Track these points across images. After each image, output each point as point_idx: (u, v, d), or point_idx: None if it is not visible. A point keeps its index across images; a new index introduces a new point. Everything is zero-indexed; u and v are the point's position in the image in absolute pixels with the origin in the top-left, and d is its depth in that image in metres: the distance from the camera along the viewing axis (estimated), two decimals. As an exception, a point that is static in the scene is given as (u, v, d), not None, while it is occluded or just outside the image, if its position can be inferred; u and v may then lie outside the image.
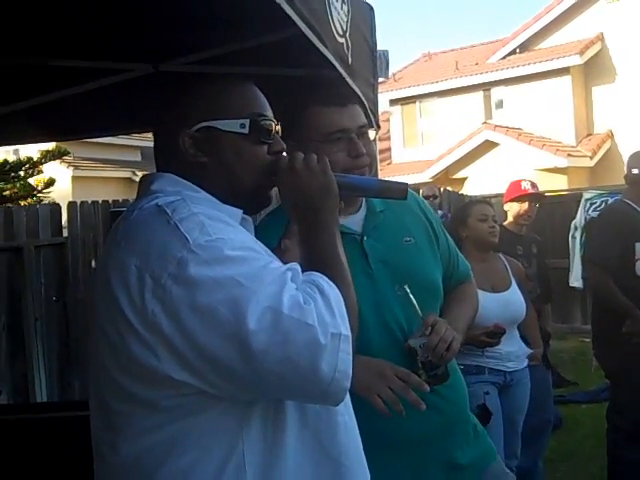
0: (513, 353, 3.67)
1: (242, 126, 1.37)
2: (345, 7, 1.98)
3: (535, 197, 4.57)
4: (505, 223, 4.60)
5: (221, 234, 1.22)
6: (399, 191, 1.50)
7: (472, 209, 3.84)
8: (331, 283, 1.25)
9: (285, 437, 1.27)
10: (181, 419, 1.22)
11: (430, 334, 1.82)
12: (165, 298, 1.17)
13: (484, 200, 4.35)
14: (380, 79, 2.78)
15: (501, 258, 3.87)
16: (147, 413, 1.23)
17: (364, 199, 1.96)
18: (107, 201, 6.34)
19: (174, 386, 1.20)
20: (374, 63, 2.52)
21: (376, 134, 1.94)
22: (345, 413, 1.37)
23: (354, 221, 1.92)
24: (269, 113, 1.44)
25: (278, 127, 1.46)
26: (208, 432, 1.23)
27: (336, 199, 1.38)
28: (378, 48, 2.63)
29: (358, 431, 1.42)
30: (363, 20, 2.38)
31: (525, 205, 4.50)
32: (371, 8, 2.53)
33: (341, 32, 1.92)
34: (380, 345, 1.84)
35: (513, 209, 4.55)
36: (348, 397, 1.40)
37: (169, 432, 1.23)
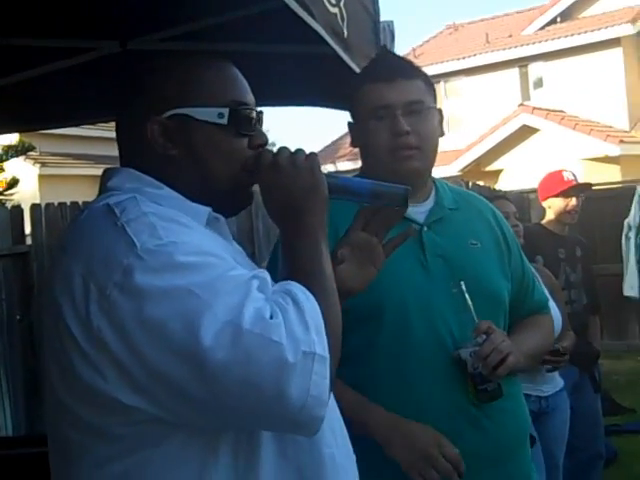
0: (548, 376, 3.67)
1: (220, 116, 1.38)
2: (338, -28, 2.00)
3: (581, 189, 4.51)
4: (544, 222, 4.57)
5: (174, 237, 1.22)
6: (396, 196, 1.49)
7: (491, 204, 3.84)
8: (309, 294, 1.23)
9: (260, 472, 1.27)
10: (137, 451, 1.23)
11: (483, 342, 1.85)
12: (110, 311, 1.18)
13: (501, 194, 4.36)
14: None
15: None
16: (99, 442, 1.25)
17: (434, 191, 2.09)
18: (77, 203, 6.35)
19: (125, 411, 1.21)
20: (377, 36, 2.53)
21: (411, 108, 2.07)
22: (333, 445, 1.36)
23: (418, 210, 2.01)
24: (250, 100, 1.45)
25: (261, 116, 1.47)
26: (168, 467, 1.23)
27: (323, 201, 1.37)
28: (383, 19, 2.65)
29: (351, 464, 1.42)
30: (362, -14, 2.40)
31: (570, 200, 4.41)
32: (372, -27, 2.55)
33: (334, 1, 1.94)
34: (425, 350, 1.90)
35: (556, 205, 4.47)
36: (340, 425, 1.42)
37: (124, 465, 1.23)
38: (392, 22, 2.74)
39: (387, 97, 1.97)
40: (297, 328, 1.18)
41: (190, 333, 1.15)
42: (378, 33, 2.56)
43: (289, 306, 1.20)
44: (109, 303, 1.19)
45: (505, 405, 1.95)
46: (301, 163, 1.36)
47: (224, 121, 1.38)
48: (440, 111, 2.10)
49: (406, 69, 2.07)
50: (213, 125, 1.38)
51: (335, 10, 1.95)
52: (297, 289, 1.24)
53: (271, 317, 1.17)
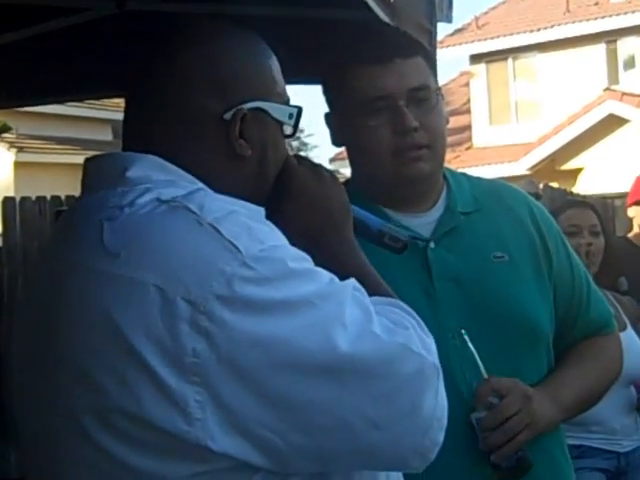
0: (628, 426, 3.65)
1: (290, 116, 1.44)
2: None
3: None
4: (631, 235, 4.56)
5: (271, 240, 1.25)
6: (396, 243, 1.60)
7: (560, 215, 3.77)
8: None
9: None
10: None
11: (494, 408, 1.80)
12: (213, 330, 1.17)
13: (579, 200, 4.31)
14: (442, 24, 2.81)
15: (606, 294, 3.83)
16: None
17: (444, 192, 1.99)
18: (59, 197, 6.41)
19: (202, 458, 1.19)
20: (431, 2, 2.55)
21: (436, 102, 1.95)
22: None
23: (422, 222, 1.94)
24: None
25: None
26: None
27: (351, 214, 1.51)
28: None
29: None
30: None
31: None
32: None
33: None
34: None
35: (641, 215, 4.49)
36: None
37: None
38: (451, -14, 2.76)
39: (385, 84, 1.85)
40: (426, 340, 1.29)
41: (325, 346, 1.19)
42: (433, -1, 2.58)
43: (407, 316, 1.31)
44: (210, 320, 1.17)
45: (541, 474, 1.86)
46: (327, 175, 1.48)
47: (292, 122, 1.44)
48: (441, 91, 1.98)
49: (404, 44, 1.95)
50: (278, 124, 1.43)
51: (381, -31, 1.98)
52: (404, 305, 1.35)
53: (398, 326, 1.26)
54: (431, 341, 1.30)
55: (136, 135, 1.42)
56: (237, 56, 1.41)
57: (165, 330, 1.17)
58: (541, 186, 9.63)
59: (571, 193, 11.08)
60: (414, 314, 1.34)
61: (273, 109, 1.41)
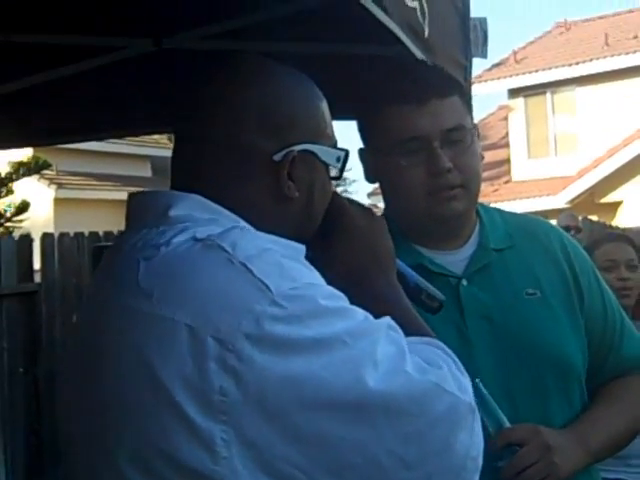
0: None
1: (338, 160, 1.46)
2: (419, -42, 2.01)
3: None
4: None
5: (306, 278, 1.27)
6: (432, 302, 1.63)
7: (597, 249, 3.72)
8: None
9: None
10: None
11: (513, 457, 1.77)
12: (241, 369, 1.17)
13: (618, 233, 4.25)
14: (476, 60, 2.80)
15: None
16: None
17: (477, 229, 1.98)
18: (97, 233, 6.44)
19: None
20: (466, 36, 2.54)
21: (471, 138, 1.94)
22: None
23: (454, 259, 1.94)
24: None
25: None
26: None
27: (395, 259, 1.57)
28: (474, 15, 2.66)
29: None
30: (449, -23, 2.41)
31: None
32: (463, -42, 2.57)
33: (413, -8, 1.95)
34: None
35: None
36: None
37: None
38: (485, 19, 2.76)
39: (420, 126, 1.85)
40: (461, 379, 1.30)
41: (359, 384, 1.19)
42: (468, 32, 2.57)
43: (443, 355, 1.32)
44: (239, 359, 1.17)
45: None
46: (378, 218, 1.57)
47: (339, 165, 1.46)
48: (477, 128, 1.97)
49: (440, 84, 1.93)
50: (326, 167, 1.46)
51: (414, 4, 1.96)
52: (442, 345, 1.37)
53: (432, 365, 1.28)
54: (467, 380, 1.31)
55: (183, 171, 1.43)
56: (293, 97, 1.43)
57: (195, 368, 1.18)
58: (580, 219, 9.58)
59: (610, 226, 11.01)
60: (451, 353, 1.34)
61: (322, 152, 1.43)
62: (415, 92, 1.87)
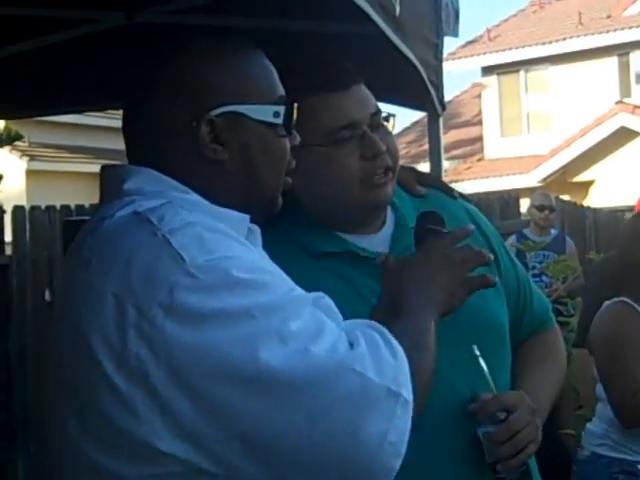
0: None
1: (276, 114, 1.46)
2: None
3: None
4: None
5: (224, 251, 1.28)
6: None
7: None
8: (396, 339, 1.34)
9: None
10: None
11: (502, 422, 1.79)
12: (154, 336, 1.22)
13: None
14: (449, 38, 2.81)
15: None
16: None
17: (389, 208, 1.95)
18: (68, 206, 6.40)
19: (158, 461, 1.24)
20: (437, 15, 2.54)
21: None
22: None
23: (378, 241, 1.90)
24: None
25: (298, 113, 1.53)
26: None
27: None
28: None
29: None
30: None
31: None
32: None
33: (384, -29, 1.95)
34: (439, 426, 1.82)
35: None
36: None
37: None
38: (457, -1, 2.76)
39: (350, 112, 1.81)
40: (386, 362, 1.28)
41: (253, 359, 1.21)
42: (439, 11, 2.57)
43: (377, 338, 1.30)
44: (152, 327, 1.22)
45: None
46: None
47: (279, 120, 1.46)
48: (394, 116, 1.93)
49: (352, 70, 1.87)
50: (266, 125, 1.45)
51: (386, -18, 1.96)
52: (383, 329, 1.34)
53: (351, 346, 1.26)
54: (396, 365, 1.29)
55: (132, 146, 1.49)
56: (202, 64, 1.45)
57: (118, 335, 1.24)
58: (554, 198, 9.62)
59: (581, 206, 11.06)
60: (390, 339, 1.33)
61: (251, 111, 1.43)
62: (340, 79, 1.82)
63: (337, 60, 1.89)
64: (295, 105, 1.49)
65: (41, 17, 2.78)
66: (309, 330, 1.25)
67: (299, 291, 1.32)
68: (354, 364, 1.25)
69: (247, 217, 1.43)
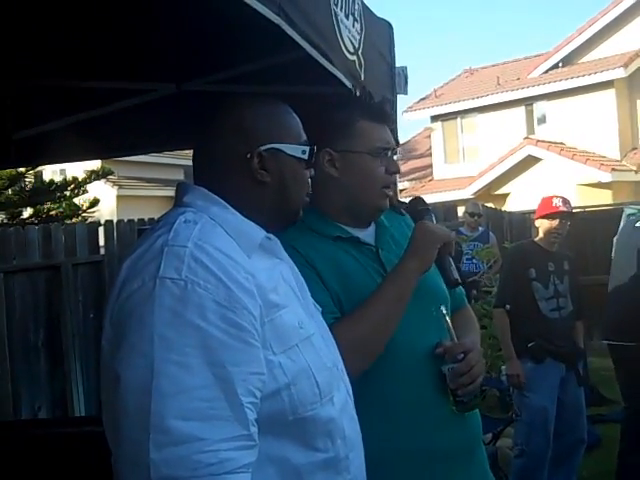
0: None
1: (303, 152, 1.44)
2: (357, 25, 2.00)
3: (565, 215, 4.53)
4: (536, 239, 4.59)
5: (196, 276, 1.19)
6: (449, 280, 1.82)
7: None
8: None
9: None
10: None
11: (462, 360, 1.78)
12: (122, 310, 1.21)
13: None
14: (402, 95, 2.79)
15: None
16: None
17: None
18: (143, 219, 6.45)
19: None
20: (392, 80, 2.53)
21: (394, 152, 1.93)
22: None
23: (367, 235, 1.91)
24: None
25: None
26: None
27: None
28: (398, 64, 2.65)
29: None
30: (380, 37, 2.40)
31: (555, 222, 4.45)
32: (390, 26, 2.55)
33: (352, 50, 1.94)
34: (408, 365, 1.79)
35: (543, 226, 4.50)
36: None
37: None
38: (406, 67, 2.73)
39: (386, 138, 1.86)
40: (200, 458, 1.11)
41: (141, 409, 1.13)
42: (394, 77, 2.56)
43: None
44: (123, 303, 1.21)
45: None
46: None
47: (305, 156, 1.45)
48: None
49: (390, 114, 1.97)
50: (296, 159, 1.44)
51: (353, 57, 1.96)
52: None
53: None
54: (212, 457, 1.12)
55: (199, 173, 1.44)
56: (260, 115, 1.42)
57: (115, 305, 1.24)
58: (480, 206, 9.60)
59: (501, 211, 11.02)
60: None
61: (287, 148, 1.42)
62: (381, 116, 1.87)
63: (384, 104, 1.96)
64: (315, 147, 1.48)
65: (111, 88, 2.78)
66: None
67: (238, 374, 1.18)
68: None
69: (262, 234, 1.36)
